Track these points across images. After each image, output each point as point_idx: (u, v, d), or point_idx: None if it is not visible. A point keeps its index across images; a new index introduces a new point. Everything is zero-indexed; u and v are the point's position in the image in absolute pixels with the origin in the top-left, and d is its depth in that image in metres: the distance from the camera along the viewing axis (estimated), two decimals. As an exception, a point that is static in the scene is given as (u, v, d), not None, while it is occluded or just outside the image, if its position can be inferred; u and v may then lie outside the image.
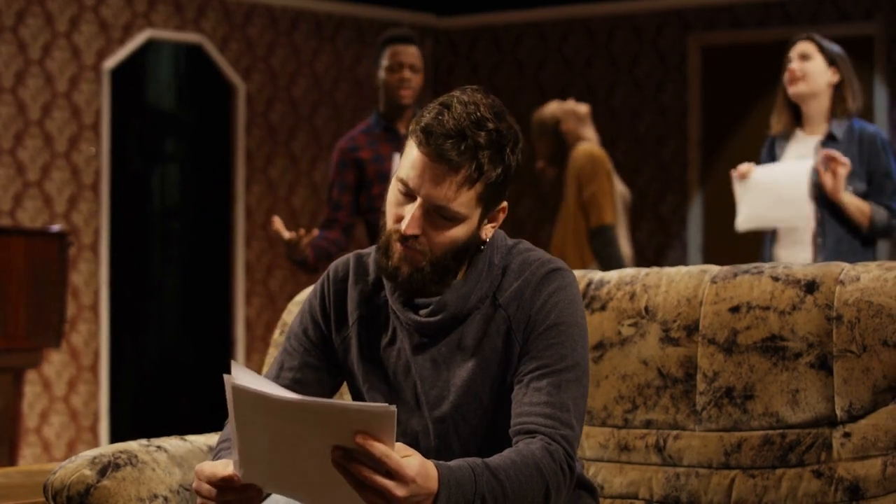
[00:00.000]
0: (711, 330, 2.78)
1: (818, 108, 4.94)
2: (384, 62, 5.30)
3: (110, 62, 7.99)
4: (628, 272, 2.96)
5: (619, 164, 9.00)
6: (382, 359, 2.46)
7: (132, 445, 2.70)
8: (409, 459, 2.06)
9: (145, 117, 8.54)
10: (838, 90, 4.92)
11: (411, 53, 5.33)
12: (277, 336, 3.21)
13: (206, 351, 8.69)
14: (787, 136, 5.02)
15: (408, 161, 2.35)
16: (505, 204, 2.44)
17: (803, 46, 4.97)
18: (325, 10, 9.02)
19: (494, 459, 2.21)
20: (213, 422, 8.86)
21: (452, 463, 2.16)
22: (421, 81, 5.34)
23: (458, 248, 2.37)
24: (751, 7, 8.64)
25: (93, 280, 7.87)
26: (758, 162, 5.08)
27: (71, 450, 7.77)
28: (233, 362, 2.06)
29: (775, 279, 2.77)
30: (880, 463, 2.58)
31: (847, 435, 2.63)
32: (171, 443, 2.77)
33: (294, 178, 8.78)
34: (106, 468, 2.60)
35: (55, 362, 7.69)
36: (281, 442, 2.06)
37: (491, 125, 2.33)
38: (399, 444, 2.06)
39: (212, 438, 2.86)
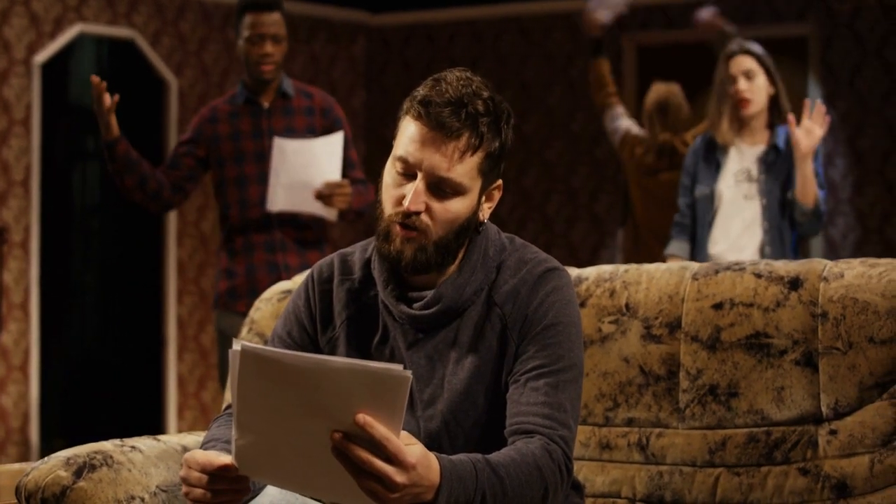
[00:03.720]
0: (694, 327, 2.76)
1: (760, 119, 5.05)
2: (244, 32, 4.85)
3: (41, 56, 7.84)
4: (606, 269, 2.94)
5: (554, 163, 9.02)
6: (373, 358, 2.42)
7: (106, 445, 2.63)
8: (411, 447, 2.02)
9: (76, 112, 8.40)
10: (775, 100, 5.02)
11: (273, 22, 4.85)
12: (245, 334, 3.14)
13: (136, 351, 8.57)
14: (726, 144, 5.07)
15: (405, 138, 2.33)
16: (500, 182, 2.43)
17: (746, 63, 5.01)
18: (258, 6, 8.92)
19: (495, 456, 2.18)
20: (144, 423, 8.70)
21: (454, 457, 2.12)
22: (285, 51, 4.93)
23: (460, 226, 2.35)
24: (685, 7, 8.66)
25: (23, 278, 7.73)
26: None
27: (0, 451, 7.62)
28: (235, 340, 2.01)
29: (758, 276, 2.75)
30: (867, 460, 2.57)
31: (833, 432, 2.62)
32: (145, 443, 2.69)
33: (226, 175, 8.67)
34: (82, 469, 2.52)
35: (-16, 362, 7.54)
36: (282, 422, 2.01)
37: (486, 94, 2.34)
38: (403, 433, 2.02)
39: (185, 438, 2.79)
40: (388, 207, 2.35)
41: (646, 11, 8.77)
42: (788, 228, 4.98)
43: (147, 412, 8.51)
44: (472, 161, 2.32)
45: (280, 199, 4.81)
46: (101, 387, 8.51)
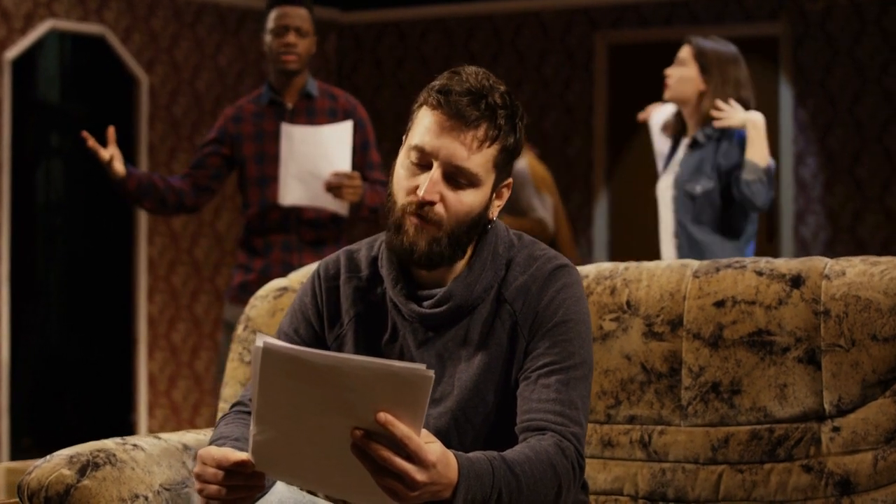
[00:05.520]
0: (696, 324, 2.76)
1: (689, 113, 4.96)
2: (270, 25, 4.90)
3: (11, 53, 7.78)
4: (606, 266, 2.94)
5: (525, 162, 9.02)
6: (384, 356, 2.40)
7: (108, 444, 2.60)
8: (430, 445, 2.02)
9: (42, 108, 8.34)
10: (702, 98, 4.89)
11: (298, 15, 4.90)
12: (241, 331, 3.12)
13: (106, 349, 8.52)
14: (678, 137, 5.05)
15: (422, 127, 2.32)
16: (511, 180, 2.43)
17: (682, 51, 4.97)
18: (229, 4, 8.89)
19: (510, 454, 2.17)
20: (114, 422, 8.61)
21: (471, 454, 2.12)
22: (309, 47, 4.95)
23: (473, 220, 2.34)
24: (657, 6, 8.69)
25: (-7, 276, 7.67)
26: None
27: (-29, 450, 7.56)
28: (258, 334, 1.99)
29: (759, 273, 2.76)
30: (871, 457, 2.58)
31: (836, 429, 2.63)
32: (147, 441, 2.67)
33: (197, 172, 8.63)
34: (85, 467, 2.50)
35: (-46, 360, 7.48)
36: (301, 419, 2.00)
37: (503, 89, 2.35)
38: (423, 431, 2.01)
39: (185, 437, 2.77)
40: (400, 198, 2.34)
41: (618, 10, 8.79)
42: (704, 225, 4.85)
43: (117, 411, 8.46)
44: (489, 153, 2.32)
45: (292, 192, 4.77)
46: (71, 385, 8.46)
